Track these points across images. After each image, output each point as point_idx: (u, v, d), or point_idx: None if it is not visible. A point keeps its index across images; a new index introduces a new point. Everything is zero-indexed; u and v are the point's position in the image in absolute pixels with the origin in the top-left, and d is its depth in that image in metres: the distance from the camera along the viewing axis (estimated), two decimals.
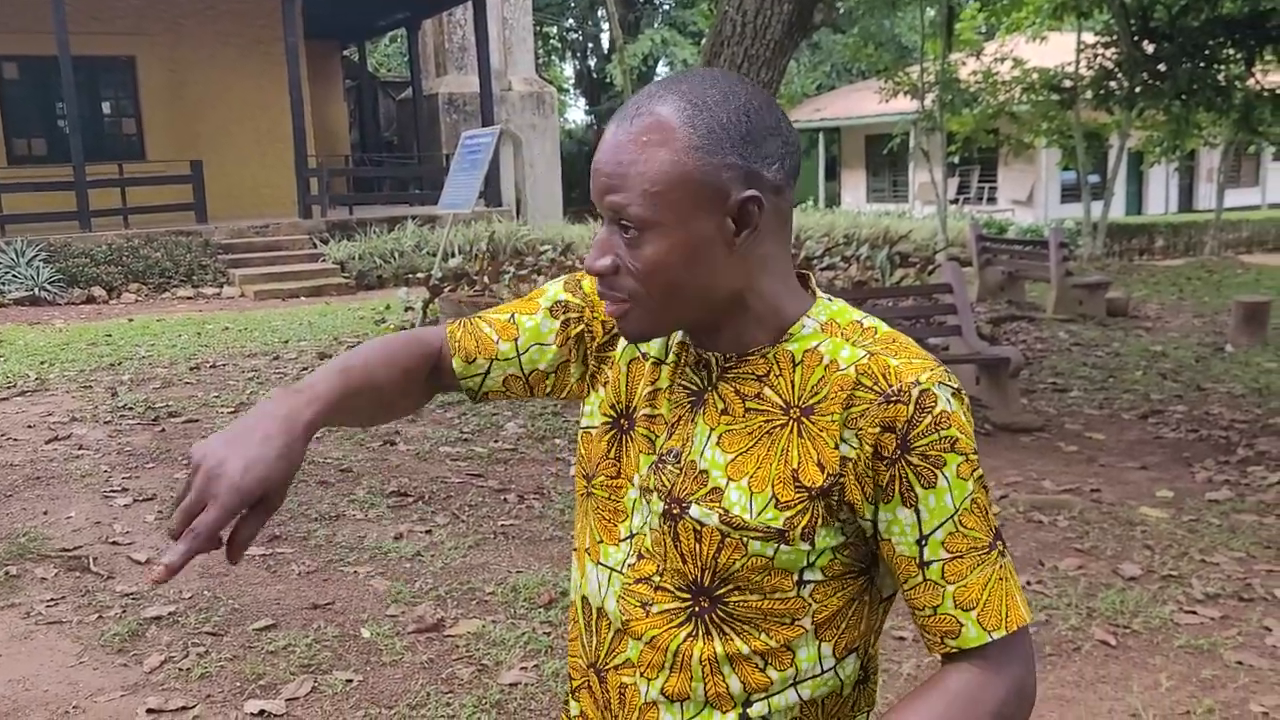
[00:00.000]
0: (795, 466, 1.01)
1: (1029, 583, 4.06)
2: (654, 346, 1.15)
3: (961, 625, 1.00)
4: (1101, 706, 3.18)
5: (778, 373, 1.05)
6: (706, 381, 1.09)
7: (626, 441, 1.13)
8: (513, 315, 1.24)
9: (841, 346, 1.03)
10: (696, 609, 1.06)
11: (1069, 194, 23.18)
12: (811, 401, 1.02)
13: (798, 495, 1.01)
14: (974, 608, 1.00)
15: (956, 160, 20.73)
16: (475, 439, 6.13)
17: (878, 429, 0.98)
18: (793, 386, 1.03)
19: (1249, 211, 24.24)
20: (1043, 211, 23.35)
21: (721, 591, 1.04)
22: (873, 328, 1.06)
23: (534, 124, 20.85)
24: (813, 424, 1.01)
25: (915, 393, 0.98)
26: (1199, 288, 13.87)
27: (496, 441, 6.07)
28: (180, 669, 3.42)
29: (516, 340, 1.23)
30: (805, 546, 1.01)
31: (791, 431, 1.02)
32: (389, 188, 19.87)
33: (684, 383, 1.11)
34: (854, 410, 0.99)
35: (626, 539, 1.11)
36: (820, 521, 1.01)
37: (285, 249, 15.43)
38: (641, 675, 1.09)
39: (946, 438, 0.98)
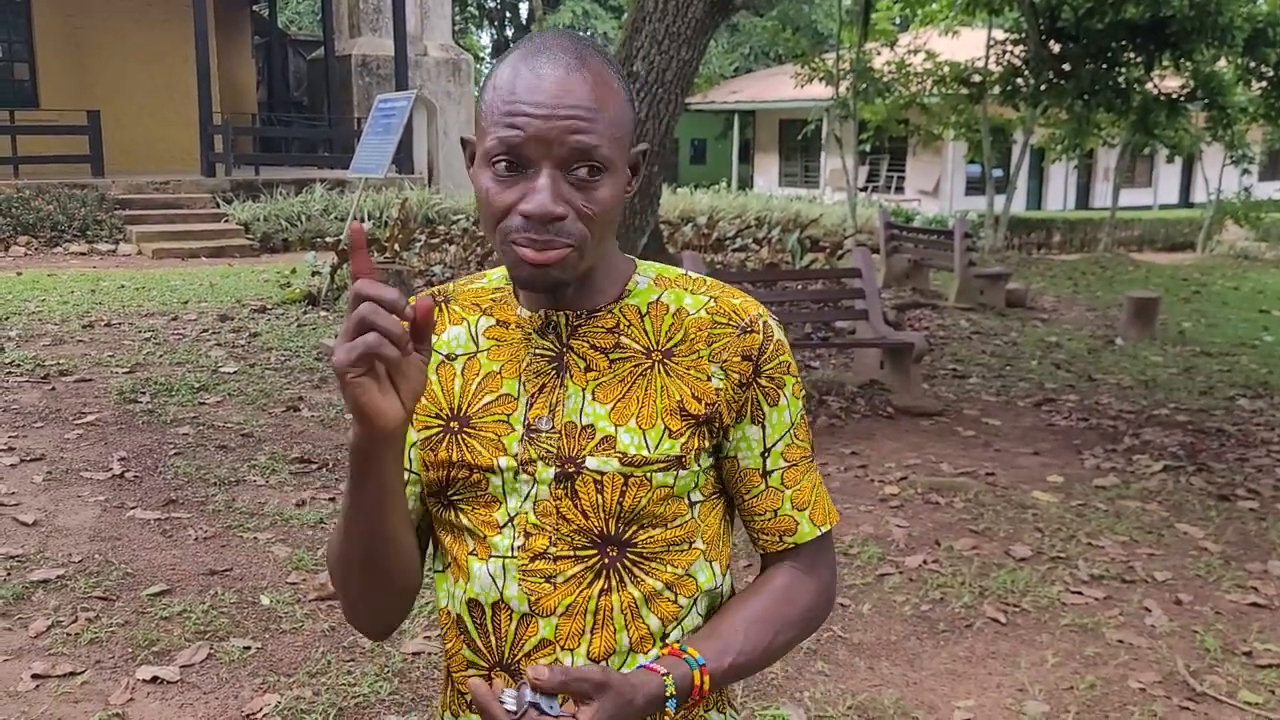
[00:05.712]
0: (678, 399, 1.10)
1: (925, 561, 4.18)
2: (460, 345, 1.14)
3: (798, 524, 1.17)
4: (990, 681, 3.30)
5: (627, 324, 1.12)
6: (560, 344, 1.11)
7: (464, 439, 1.11)
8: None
9: (684, 295, 1.14)
10: (605, 560, 1.08)
11: (973, 187, 23.75)
12: (669, 345, 1.11)
13: (685, 423, 1.10)
14: (807, 507, 1.17)
15: (868, 149, 21.04)
16: None
17: (739, 358, 1.11)
18: (647, 334, 1.12)
19: (1141, 211, 25.12)
20: (948, 202, 23.87)
21: (629, 534, 1.09)
22: (700, 279, 1.17)
23: (449, 92, 20.51)
24: (677, 364, 1.11)
25: (761, 324, 1.13)
26: (1093, 282, 14.36)
27: None
28: (69, 634, 3.31)
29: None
30: (697, 468, 1.12)
31: (658, 371, 1.11)
32: (297, 149, 19.32)
33: (538, 352, 1.12)
34: (716, 346, 1.11)
35: (507, 523, 1.09)
36: (703, 445, 1.12)
37: (186, 207, 14.94)
38: (562, 649, 1.08)
39: (784, 362, 1.14)
